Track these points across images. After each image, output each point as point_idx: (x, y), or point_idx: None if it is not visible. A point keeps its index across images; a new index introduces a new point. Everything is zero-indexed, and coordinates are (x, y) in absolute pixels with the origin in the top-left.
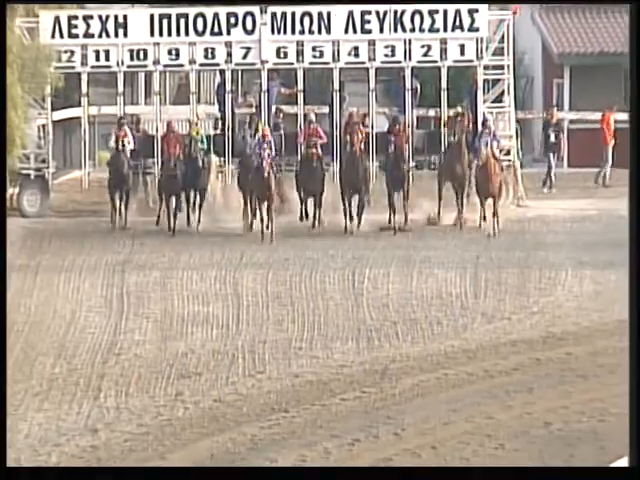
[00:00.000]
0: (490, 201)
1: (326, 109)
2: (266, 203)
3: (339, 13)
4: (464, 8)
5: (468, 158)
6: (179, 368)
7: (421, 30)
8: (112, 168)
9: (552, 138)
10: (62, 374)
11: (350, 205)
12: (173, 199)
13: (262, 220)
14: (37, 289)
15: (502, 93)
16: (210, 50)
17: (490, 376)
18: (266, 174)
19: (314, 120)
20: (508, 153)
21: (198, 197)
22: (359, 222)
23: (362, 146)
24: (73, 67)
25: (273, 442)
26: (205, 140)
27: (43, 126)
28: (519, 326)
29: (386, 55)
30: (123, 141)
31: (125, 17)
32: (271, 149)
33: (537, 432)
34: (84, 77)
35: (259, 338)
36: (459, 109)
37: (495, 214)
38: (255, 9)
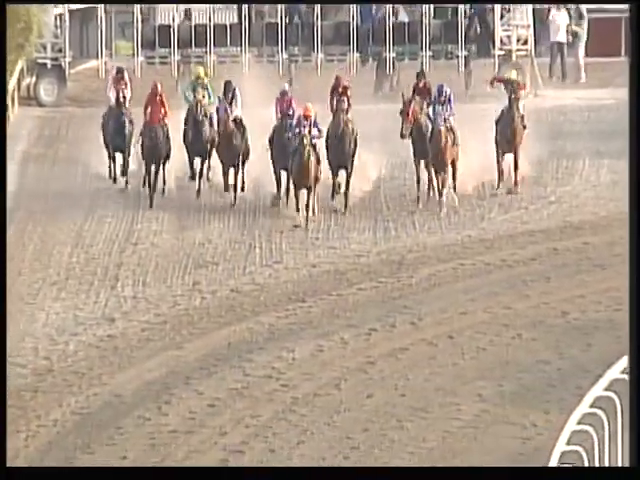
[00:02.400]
0: (442, 175)
1: None
2: (305, 192)
3: None
4: None
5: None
6: (196, 257)
7: None
8: (111, 124)
9: None
10: (79, 263)
11: (336, 179)
12: (153, 167)
13: (298, 209)
14: (54, 179)
15: None
16: None
17: (507, 266)
18: (305, 157)
19: (288, 92)
20: (525, 43)
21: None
22: (346, 200)
23: (349, 116)
24: None
25: (290, 332)
26: (213, 95)
27: (60, 15)
28: (536, 216)
29: None
30: (123, 93)
31: None
32: (311, 129)
33: (554, 321)
34: None
35: (276, 227)
36: (512, 76)
37: (441, 189)
38: None
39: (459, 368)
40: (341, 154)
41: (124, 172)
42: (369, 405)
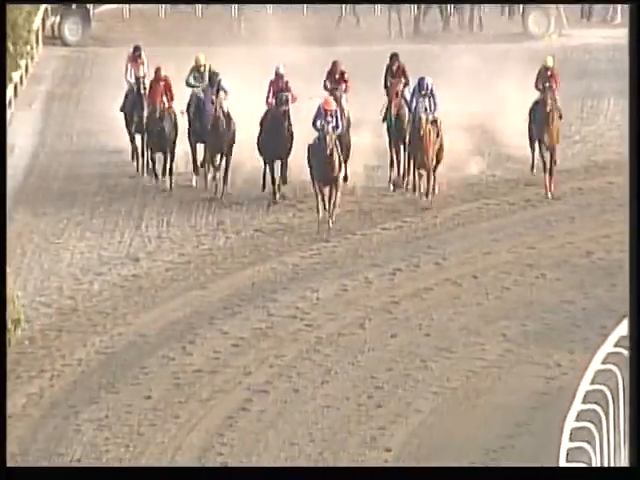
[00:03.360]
0: (423, 172)
1: None
2: (329, 188)
3: None
4: None
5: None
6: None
7: None
8: (130, 105)
9: None
10: (104, 203)
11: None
12: (161, 156)
13: (320, 208)
14: (79, 118)
15: None
16: None
17: (532, 205)
18: (328, 152)
19: (283, 73)
20: None
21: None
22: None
23: (346, 104)
24: None
25: (314, 272)
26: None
27: None
28: (561, 155)
29: None
30: (142, 72)
31: None
32: (337, 124)
33: (579, 261)
34: None
35: (299, 166)
36: (549, 63)
37: (428, 185)
38: None
39: (483, 308)
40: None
41: (143, 154)
42: (393, 345)
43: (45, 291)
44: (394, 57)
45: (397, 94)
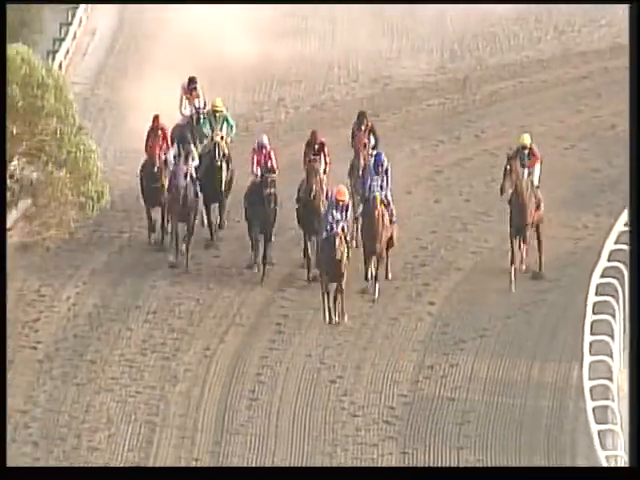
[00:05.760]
0: (373, 259)
1: None
2: (334, 285)
3: None
4: None
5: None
6: (281, 75)
7: None
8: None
9: None
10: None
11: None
12: (156, 211)
13: (328, 308)
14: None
15: None
16: None
17: (562, 83)
18: (339, 254)
19: (267, 144)
20: None
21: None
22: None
23: (323, 176)
24: None
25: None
26: (234, 126)
27: None
28: (588, 38)
29: None
30: (198, 105)
31: None
32: (346, 217)
33: (604, 134)
34: None
35: (353, 48)
36: (526, 141)
37: (375, 277)
38: None
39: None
40: (311, 220)
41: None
42: (436, 209)
43: (123, 161)
44: (361, 116)
45: (365, 150)
